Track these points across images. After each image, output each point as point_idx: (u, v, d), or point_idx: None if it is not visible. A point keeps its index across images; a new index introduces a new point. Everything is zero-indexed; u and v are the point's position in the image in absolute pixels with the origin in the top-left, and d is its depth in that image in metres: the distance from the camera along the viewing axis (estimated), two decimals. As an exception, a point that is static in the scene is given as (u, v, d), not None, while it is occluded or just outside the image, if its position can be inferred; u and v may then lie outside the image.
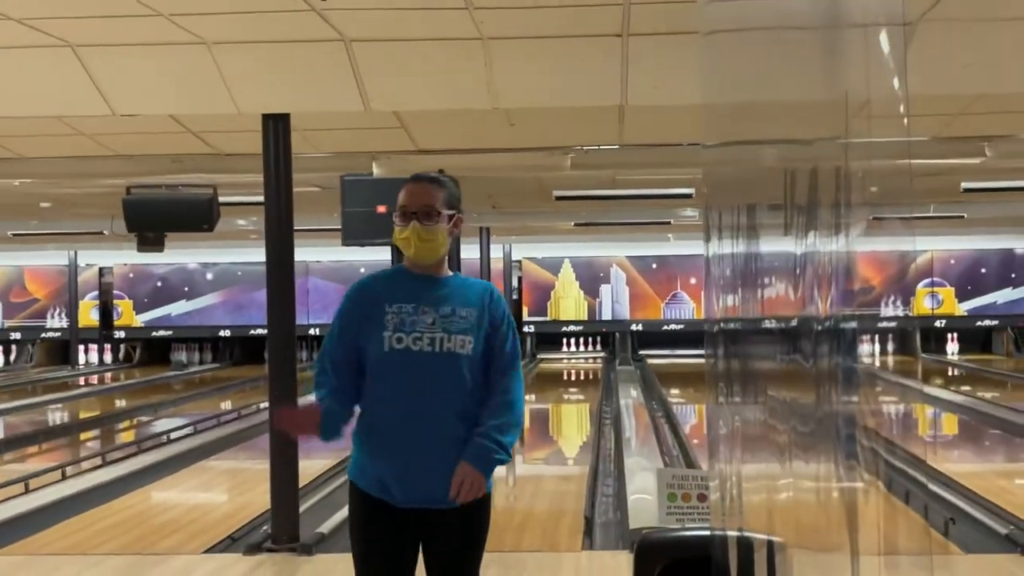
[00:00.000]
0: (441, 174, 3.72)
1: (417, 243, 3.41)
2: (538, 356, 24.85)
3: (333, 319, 3.57)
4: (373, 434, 3.44)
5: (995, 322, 24.34)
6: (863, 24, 1.74)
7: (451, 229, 3.49)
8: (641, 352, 24.36)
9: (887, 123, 1.86)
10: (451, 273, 3.61)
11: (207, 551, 7.22)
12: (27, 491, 9.21)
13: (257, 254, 7.96)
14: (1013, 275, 24.16)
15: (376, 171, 9.80)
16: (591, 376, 21.94)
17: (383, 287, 3.52)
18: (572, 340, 25.56)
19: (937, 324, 24.21)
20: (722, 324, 3.16)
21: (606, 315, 25.04)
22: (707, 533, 2.88)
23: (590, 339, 25.66)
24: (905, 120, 1.71)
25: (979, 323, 24.36)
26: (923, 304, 24.22)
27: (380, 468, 3.38)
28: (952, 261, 23.96)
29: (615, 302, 25.01)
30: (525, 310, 24.91)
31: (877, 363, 22.92)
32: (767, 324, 2.70)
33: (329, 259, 22.85)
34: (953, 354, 24.48)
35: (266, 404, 7.91)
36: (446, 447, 3.36)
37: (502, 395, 3.49)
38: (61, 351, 25.75)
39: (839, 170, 2.04)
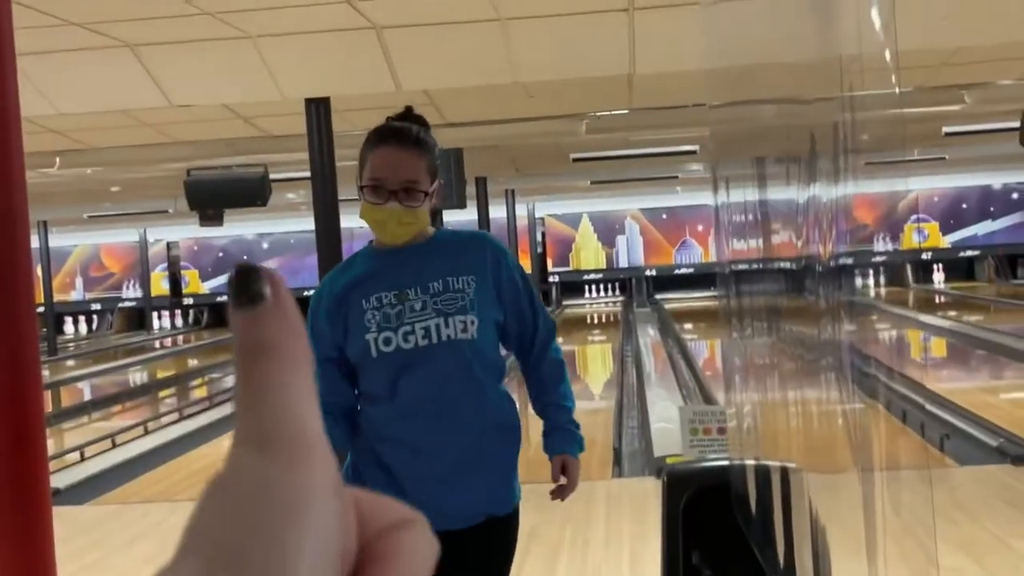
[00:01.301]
0: (418, 122, 2.67)
1: (395, 228, 2.48)
2: (563, 303, 24.86)
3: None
4: (374, 454, 2.54)
5: (976, 252, 24.16)
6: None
7: (433, 200, 2.56)
8: (656, 295, 24.34)
9: (877, 77, 1.83)
10: (433, 231, 2.60)
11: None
12: (114, 446, 9.31)
13: (307, 223, 7.96)
14: (991, 208, 23.95)
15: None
16: (611, 319, 21.94)
17: (354, 278, 2.54)
18: (593, 287, 25.54)
19: (924, 256, 24.11)
20: (732, 266, 3.14)
21: (623, 263, 25.02)
22: (727, 463, 2.86)
23: (609, 285, 25.63)
24: (894, 76, 1.68)
25: (962, 253, 24.18)
26: (911, 238, 24.09)
27: (387, 490, 2.14)
28: (936, 198, 23.72)
29: (630, 250, 24.98)
30: (549, 262, 24.93)
31: (872, 294, 22.85)
32: (773, 264, 2.67)
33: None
34: (940, 283, 24.34)
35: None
36: (462, 454, 2.48)
37: (554, 358, 2.67)
38: (137, 318, 25.99)
39: (836, 124, 2.01)
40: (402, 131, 2.53)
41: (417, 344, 2.43)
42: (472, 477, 2.48)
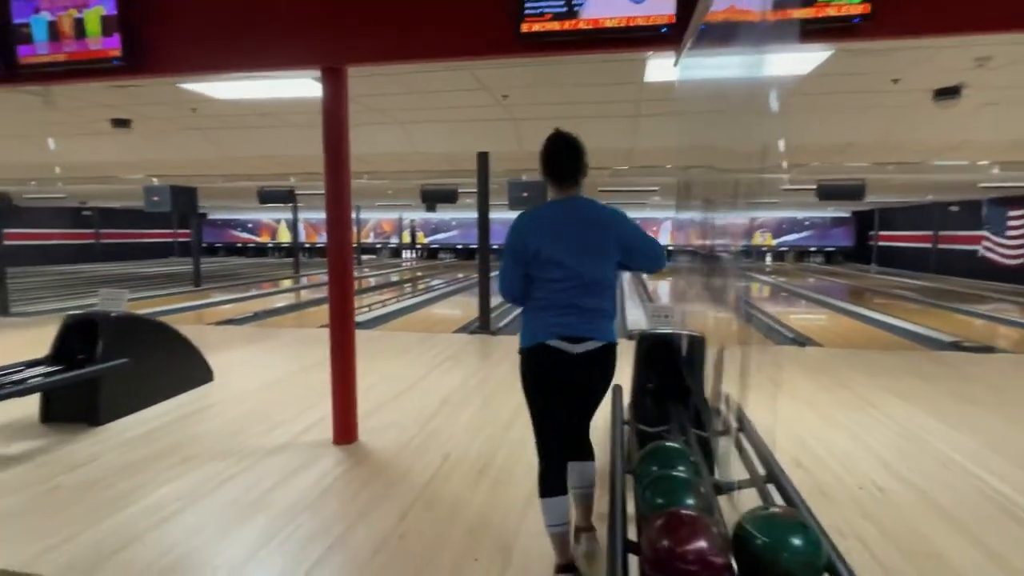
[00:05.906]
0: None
1: None
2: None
3: None
4: None
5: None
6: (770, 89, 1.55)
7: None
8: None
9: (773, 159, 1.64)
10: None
11: (455, 331, 7.27)
12: (369, 309, 9.23)
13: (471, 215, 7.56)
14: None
15: (524, 177, 9.51)
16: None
17: None
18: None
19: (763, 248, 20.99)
20: (683, 248, 2.99)
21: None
22: (670, 331, 2.75)
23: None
24: (784, 163, 1.52)
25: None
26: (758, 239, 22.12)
27: None
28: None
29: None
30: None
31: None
32: (700, 250, 2.54)
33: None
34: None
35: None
36: None
37: None
38: (396, 253, 24.62)
39: (738, 181, 1.85)
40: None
41: None
42: None
